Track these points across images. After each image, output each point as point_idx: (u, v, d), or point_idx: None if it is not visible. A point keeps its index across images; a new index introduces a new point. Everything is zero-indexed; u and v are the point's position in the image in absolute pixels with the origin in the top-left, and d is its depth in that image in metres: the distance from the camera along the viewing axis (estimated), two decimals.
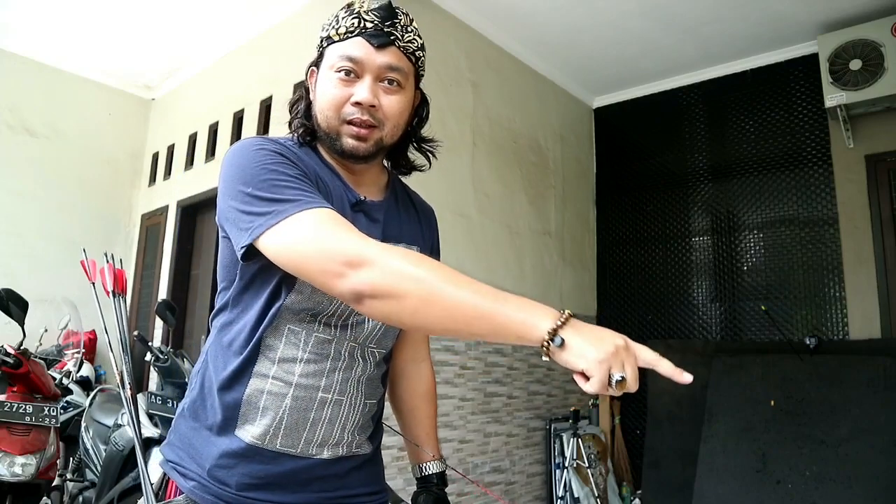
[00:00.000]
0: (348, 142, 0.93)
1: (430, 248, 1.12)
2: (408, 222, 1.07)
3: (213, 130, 4.04)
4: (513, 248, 3.77)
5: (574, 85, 4.45)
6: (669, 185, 4.24)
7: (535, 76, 4.12)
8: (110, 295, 1.94)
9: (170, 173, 4.49)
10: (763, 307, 3.63)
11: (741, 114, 3.97)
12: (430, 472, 1.12)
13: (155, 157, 4.73)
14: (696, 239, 4.09)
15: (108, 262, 1.97)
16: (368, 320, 0.97)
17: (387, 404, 1.13)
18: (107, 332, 1.97)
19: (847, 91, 3.30)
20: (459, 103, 3.47)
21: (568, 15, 3.53)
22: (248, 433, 0.91)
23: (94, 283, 1.95)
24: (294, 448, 0.93)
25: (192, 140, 4.27)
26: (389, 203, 1.05)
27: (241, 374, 0.92)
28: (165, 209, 4.38)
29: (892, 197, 3.38)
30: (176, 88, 4.71)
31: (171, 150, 4.53)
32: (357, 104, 0.92)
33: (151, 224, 4.55)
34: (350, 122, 0.93)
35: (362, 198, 0.99)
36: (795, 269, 3.63)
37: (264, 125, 3.55)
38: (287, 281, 0.91)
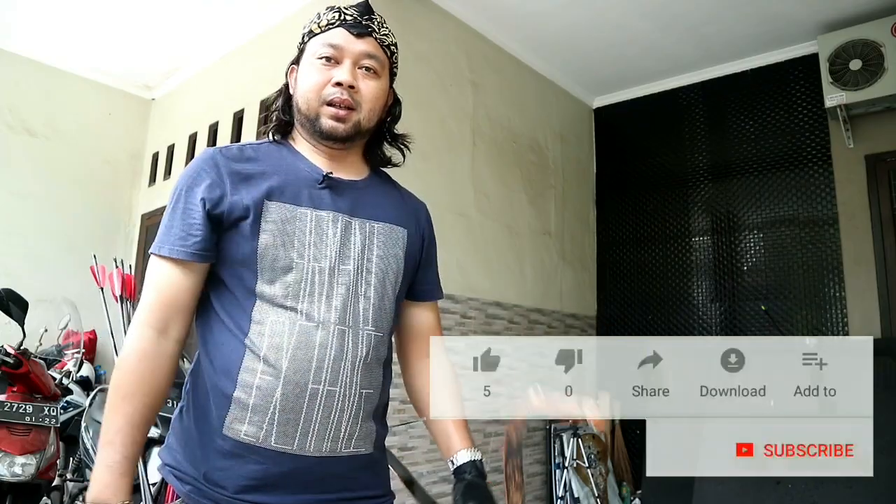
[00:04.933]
0: (327, 122, 0.99)
1: (423, 236, 1.13)
2: (391, 206, 1.08)
3: (213, 130, 4.04)
4: (513, 248, 3.76)
5: (574, 85, 4.44)
6: (669, 185, 4.23)
7: (535, 76, 4.12)
8: (118, 300, 1.94)
9: (170, 173, 4.48)
10: (763, 307, 3.63)
11: (741, 114, 3.96)
12: (461, 462, 1.07)
13: (155, 157, 4.73)
14: (696, 239, 4.09)
15: (116, 267, 1.98)
16: (360, 300, 0.98)
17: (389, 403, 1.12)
18: (112, 336, 1.97)
19: (847, 91, 3.30)
20: (459, 103, 3.46)
21: (568, 15, 3.52)
22: (242, 431, 0.90)
23: (102, 289, 1.96)
24: (290, 445, 0.91)
25: (192, 140, 4.26)
26: (366, 183, 1.08)
27: (229, 371, 0.91)
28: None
29: (892, 197, 3.38)
30: (176, 88, 4.70)
31: (171, 150, 4.52)
32: (338, 84, 0.99)
33: (151, 224, 4.55)
34: (330, 104, 0.99)
35: (329, 173, 1.01)
36: (795, 269, 3.62)
37: (264, 125, 3.55)
38: (251, 267, 0.93)
